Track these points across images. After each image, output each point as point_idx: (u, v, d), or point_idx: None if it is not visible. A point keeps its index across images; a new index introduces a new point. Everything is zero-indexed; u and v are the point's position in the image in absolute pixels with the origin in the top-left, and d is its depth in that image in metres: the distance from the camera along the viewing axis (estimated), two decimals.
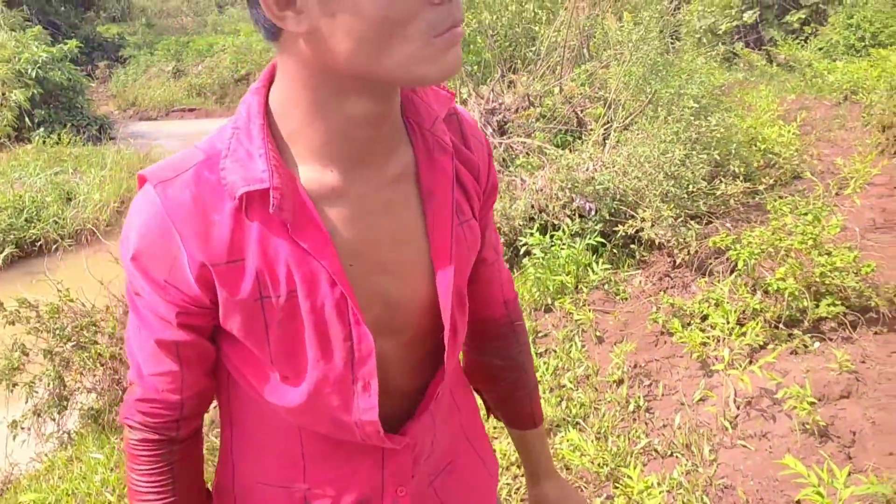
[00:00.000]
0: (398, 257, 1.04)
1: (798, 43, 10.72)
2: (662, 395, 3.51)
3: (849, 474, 2.74)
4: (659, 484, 2.90)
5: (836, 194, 5.42)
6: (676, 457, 3.07)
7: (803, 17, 11.19)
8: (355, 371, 1.02)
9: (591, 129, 5.70)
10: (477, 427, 1.36)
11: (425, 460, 1.19)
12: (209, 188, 0.94)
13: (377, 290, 1.03)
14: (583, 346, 4.00)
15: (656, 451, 3.13)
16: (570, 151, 5.47)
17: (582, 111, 6.29)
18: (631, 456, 3.10)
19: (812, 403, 3.04)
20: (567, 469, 3.10)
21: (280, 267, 0.95)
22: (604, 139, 5.62)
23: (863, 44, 10.10)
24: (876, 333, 3.72)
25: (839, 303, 3.70)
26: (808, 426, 3.00)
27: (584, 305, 4.35)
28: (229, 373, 1.10)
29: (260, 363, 1.03)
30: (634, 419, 3.37)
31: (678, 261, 4.52)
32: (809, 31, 10.99)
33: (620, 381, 3.62)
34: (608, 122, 5.76)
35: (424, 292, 1.08)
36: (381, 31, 0.83)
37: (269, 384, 1.04)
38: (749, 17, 11.26)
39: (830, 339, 3.68)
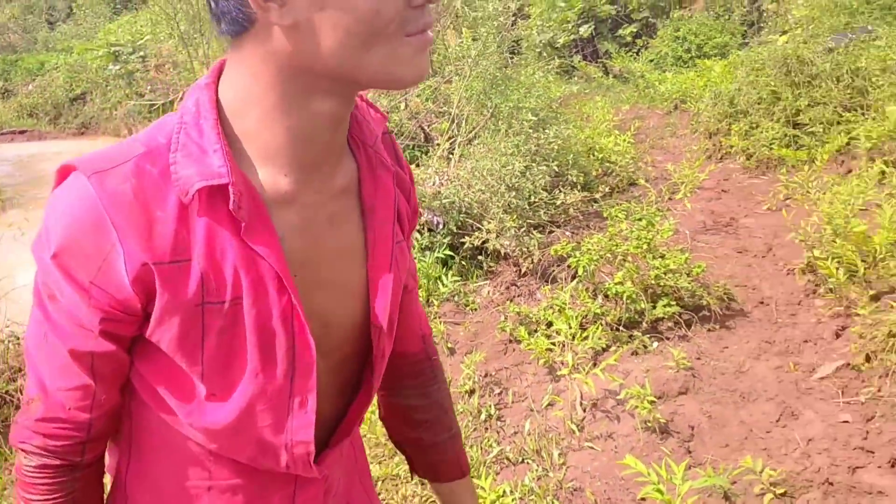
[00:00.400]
0: (337, 273, 1.00)
1: (631, 55, 11.27)
2: (513, 402, 3.55)
3: (688, 468, 2.86)
4: (511, 491, 2.92)
5: (669, 199, 5.71)
6: (528, 463, 3.11)
7: (635, 30, 11.76)
8: (294, 384, 0.95)
9: (438, 144, 5.75)
10: (366, 465, 1.30)
11: (333, 497, 1.13)
12: (151, 182, 0.86)
13: (315, 307, 0.97)
14: None
15: (508, 458, 3.16)
16: (418, 166, 5.50)
17: (429, 126, 6.36)
18: (484, 465, 3.12)
19: (652, 402, 3.17)
20: (422, 484, 3.08)
21: (227, 270, 0.88)
22: (449, 153, 5.68)
23: (689, 55, 10.73)
24: (709, 331, 3.92)
25: (674, 303, 3.89)
26: (649, 424, 3.11)
27: (436, 318, 4.37)
28: (135, 393, 0.99)
29: (184, 378, 0.94)
30: (486, 428, 3.40)
31: (524, 269, 4.62)
32: (641, 44, 11.57)
33: (472, 391, 3.64)
34: (453, 137, 5.83)
35: (358, 312, 1.03)
36: (369, 27, 0.82)
37: (192, 403, 0.94)
38: (585, 31, 11.72)
39: (668, 339, 3.85)
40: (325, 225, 0.97)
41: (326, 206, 0.97)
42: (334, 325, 1.02)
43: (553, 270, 4.55)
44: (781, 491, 2.71)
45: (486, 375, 3.75)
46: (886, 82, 5.89)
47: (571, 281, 4.25)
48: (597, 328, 3.71)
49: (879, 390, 3.16)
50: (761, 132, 6.48)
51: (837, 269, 3.84)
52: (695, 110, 7.93)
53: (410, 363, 1.29)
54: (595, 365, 3.54)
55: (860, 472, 2.80)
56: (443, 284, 4.59)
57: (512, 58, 7.19)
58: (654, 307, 3.86)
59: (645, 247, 3.97)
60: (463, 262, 4.89)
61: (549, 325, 3.91)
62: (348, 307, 1.03)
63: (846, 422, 3.08)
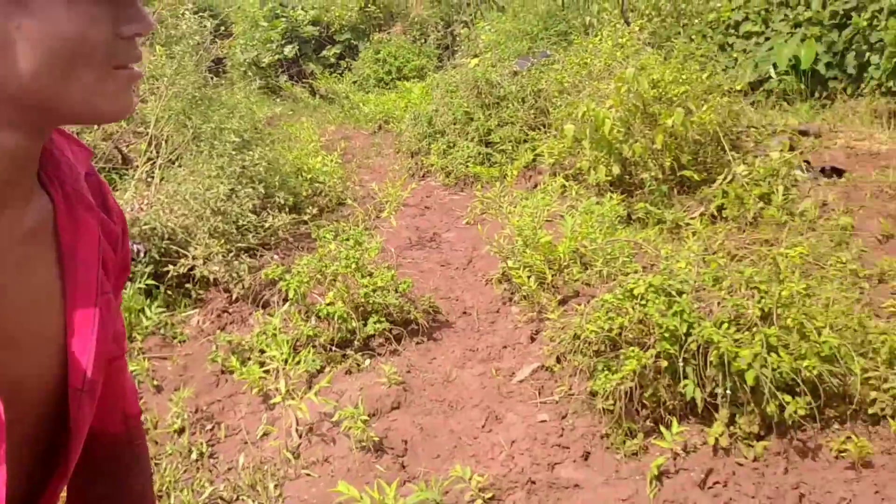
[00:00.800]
0: (29, 326, 0.85)
1: (335, 76, 11.44)
2: (226, 436, 3.42)
3: (403, 483, 2.93)
4: None
5: (377, 217, 5.85)
6: (243, 500, 3.00)
7: (338, 51, 11.96)
8: None
9: (136, 166, 5.43)
10: None
11: None
12: None
13: (2, 366, 0.81)
14: (140, 399, 3.74)
15: (222, 498, 3.03)
16: (115, 190, 5.15)
17: (126, 147, 5.98)
18: None
19: (366, 420, 3.20)
20: None
21: None
22: (149, 176, 5.38)
23: (390, 77, 11.12)
24: (418, 343, 4.06)
25: (384, 319, 3.98)
26: (364, 443, 3.14)
27: (139, 354, 4.09)
28: None
29: None
30: (198, 468, 3.23)
31: (235, 295, 4.48)
32: (345, 65, 11.79)
33: (182, 430, 3.45)
34: (153, 159, 5.53)
35: (55, 371, 0.89)
36: (74, 51, 0.75)
37: None
38: (290, 51, 11.71)
39: (380, 355, 3.92)
40: (13, 272, 0.85)
41: (13, 250, 0.85)
42: (26, 386, 0.88)
43: (265, 294, 4.46)
44: (490, 495, 2.86)
45: (196, 411, 3.57)
46: (563, 103, 6.49)
47: (284, 304, 4.19)
48: (309, 351, 3.69)
49: (570, 388, 3.44)
50: (458, 151, 6.86)
51: (529, 277, 4.15)
52: (397, 130, 8.22)
53: (106, 445, 1.13)
54: (310, 388, 3.51)
55: (559, 468, 3.03)
56: (146, 317, 4.31)
57: (215, 77, 6.99)
58: (366, 325, 3.92)
59: (354, 266, 4.03)
60: (169, 292, 4.64)
61: (263, 351, 3.82)
62: (43, 365, 0.90)
63: (544, 421, 3.33)
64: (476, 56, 9.86)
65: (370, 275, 4.07)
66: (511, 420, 3.36)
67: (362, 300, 3.97)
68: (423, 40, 12.01)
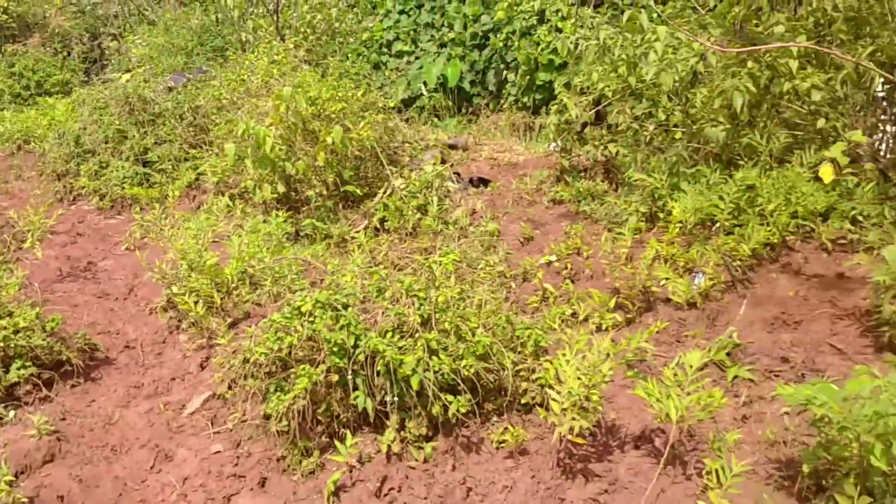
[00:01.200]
0: None
1: None
2: None
3: None
4: None
5: (18, 248, 5.25)
6: None
7: None
8: None
9: None
10: None
11: None
12: None
13: None
14: None
15: None
16: None
17: None
18: None
19: (12, 481, 2.85)
20: None
21: None
22: None
23: (29, 92, 10.11)
24: (73, 386, 3.70)
25: (30, 364, 3.57)
26: None
27: None
28: None
29: None
30: None
31: None
32: None
33: None
34: None
35: None
36: None
37: None
38: None
39: (27, 404, 3.52)
40: None
41: None
42: None
43: None
44: None
45: None
46: (223, 120, 6.33)
47: None
48: None
49: (244, 414, 3.34)
50: (112, 171, 6.40)
51: (196, 302, 3.96)
52: (40, 151, 7.47)
53: None
54: None
55: (235, 499, 2.92)
56: None
57: None
58: (7, 372, 3.50)
59: None
60: None
61: None
62: None
63: (218, 452, 3.19)
64: (128, 71, 9.30)
65: (9, 315, 3.63)
66: (183, 456, 3.19)
67: (0, 345, 3.52)
68: (66, 53, 11.09)
